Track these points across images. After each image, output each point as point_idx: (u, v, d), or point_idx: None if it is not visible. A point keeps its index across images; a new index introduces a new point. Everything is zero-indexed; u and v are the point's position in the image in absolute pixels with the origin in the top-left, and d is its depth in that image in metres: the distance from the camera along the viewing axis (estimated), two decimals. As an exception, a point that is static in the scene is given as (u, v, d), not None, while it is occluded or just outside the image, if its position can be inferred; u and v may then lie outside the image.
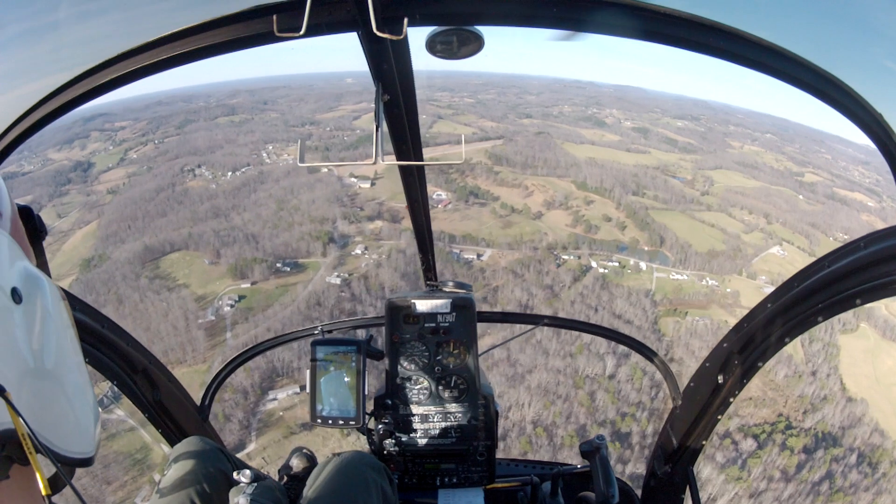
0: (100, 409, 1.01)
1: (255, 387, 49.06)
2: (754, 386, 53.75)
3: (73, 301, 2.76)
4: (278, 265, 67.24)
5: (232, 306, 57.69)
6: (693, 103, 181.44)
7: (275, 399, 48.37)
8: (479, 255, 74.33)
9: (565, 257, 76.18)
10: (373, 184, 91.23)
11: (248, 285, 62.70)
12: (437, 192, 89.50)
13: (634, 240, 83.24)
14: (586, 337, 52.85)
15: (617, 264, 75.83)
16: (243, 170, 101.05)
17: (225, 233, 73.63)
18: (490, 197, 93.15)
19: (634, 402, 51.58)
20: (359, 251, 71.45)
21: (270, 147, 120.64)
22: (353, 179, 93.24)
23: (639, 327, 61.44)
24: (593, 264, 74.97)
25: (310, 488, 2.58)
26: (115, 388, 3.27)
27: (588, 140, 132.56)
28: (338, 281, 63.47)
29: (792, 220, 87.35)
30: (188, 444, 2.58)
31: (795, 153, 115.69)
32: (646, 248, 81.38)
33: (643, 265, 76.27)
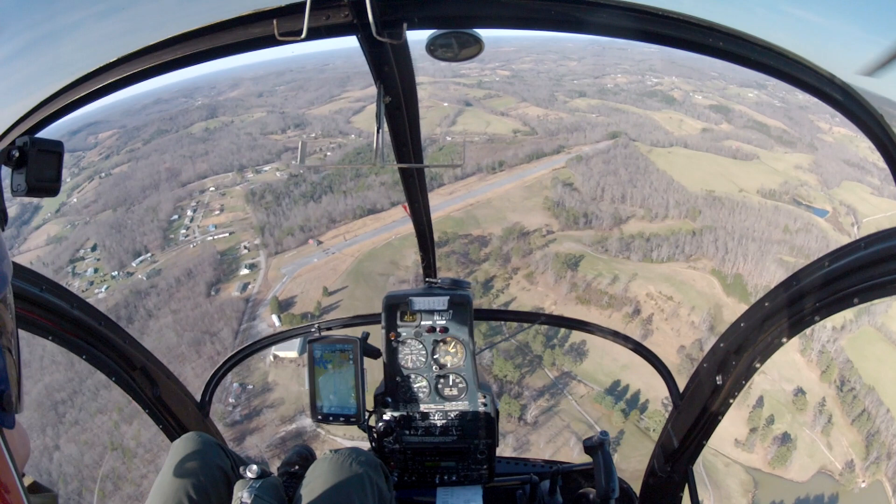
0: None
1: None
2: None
3: (71, 297, 2.75)
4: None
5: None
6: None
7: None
8: None
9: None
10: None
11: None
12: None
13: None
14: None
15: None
16: (145, 257, 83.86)
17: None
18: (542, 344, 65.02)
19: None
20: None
21: (212, 188, 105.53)
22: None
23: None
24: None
25: (305, 486, 2.51)
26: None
27: (674, 139, 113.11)
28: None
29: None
30: (186, 439, 2.56)
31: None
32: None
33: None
